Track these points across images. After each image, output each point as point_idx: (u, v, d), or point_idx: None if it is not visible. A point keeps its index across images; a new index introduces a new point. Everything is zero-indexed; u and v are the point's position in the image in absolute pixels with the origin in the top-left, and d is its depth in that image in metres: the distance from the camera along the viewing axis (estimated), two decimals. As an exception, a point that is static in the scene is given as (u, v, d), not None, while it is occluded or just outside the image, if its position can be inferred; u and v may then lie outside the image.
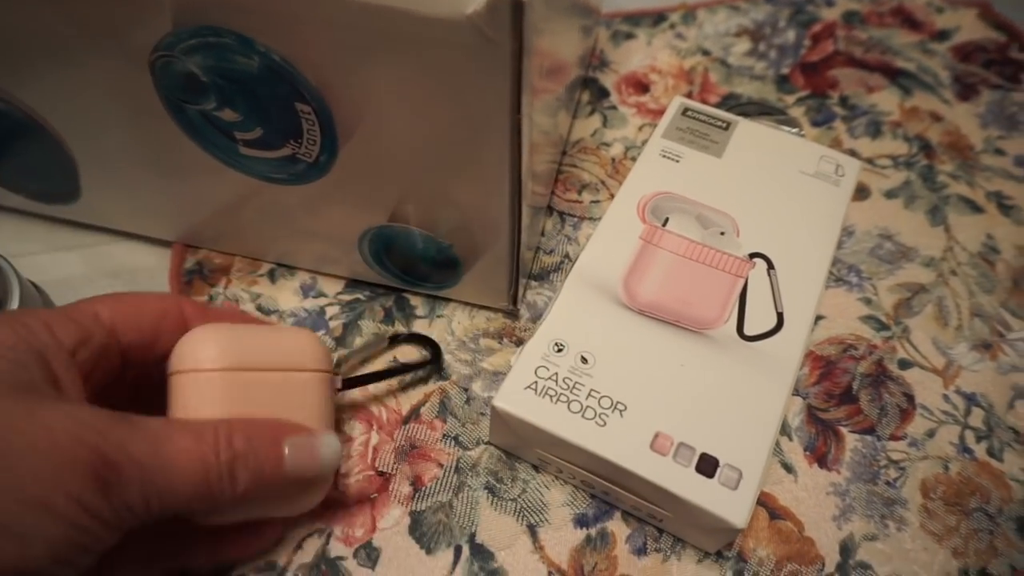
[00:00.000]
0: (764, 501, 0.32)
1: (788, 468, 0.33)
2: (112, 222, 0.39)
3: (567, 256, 0.40)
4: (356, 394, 0.34)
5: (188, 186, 0.35)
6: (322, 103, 0.28)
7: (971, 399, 0.36)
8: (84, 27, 0.28)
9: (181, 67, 0.28)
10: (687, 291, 0.33)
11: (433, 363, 0.34)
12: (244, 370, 0.26)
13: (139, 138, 0.33)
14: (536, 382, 0.30)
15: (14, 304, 0.30)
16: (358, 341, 0.36)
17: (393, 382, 0.35)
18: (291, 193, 0.33)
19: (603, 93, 0.47)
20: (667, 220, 0.36)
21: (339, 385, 0.30)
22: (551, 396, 0.30)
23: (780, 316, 0.33)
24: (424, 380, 0.34)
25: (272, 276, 0.38)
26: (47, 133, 0.34)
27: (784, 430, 0.34)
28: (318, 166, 0.31)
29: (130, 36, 0.28)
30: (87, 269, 0.39)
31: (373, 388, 0.35)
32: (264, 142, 0.31)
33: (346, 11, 0.24)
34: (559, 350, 0.31)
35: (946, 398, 0.36)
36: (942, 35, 0.52)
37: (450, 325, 0.37)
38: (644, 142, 0.45)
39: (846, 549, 0.31)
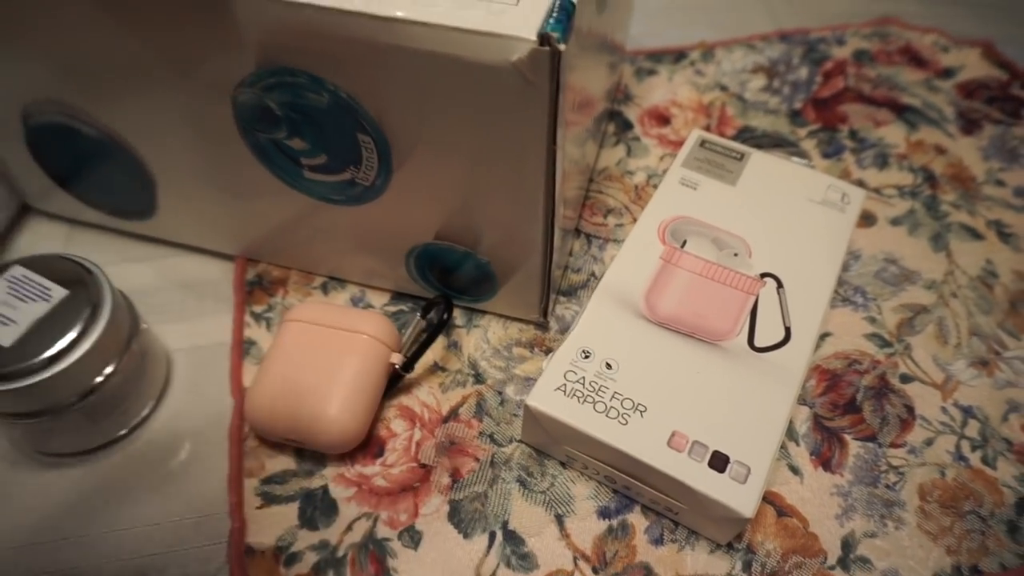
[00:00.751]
0: (772, 500, 0.35)
1: (795, 471, 0.36)
2: (182, 237, 0.44)
3: (593, 274, 0.43)
4: (402, 397, 0.38)
5: (254, 205, 0.39)
6: (381, 134, 0.32)
7: (968, 411, 0.38)
8: (175, 62, 0.32)
9: (258, 101, 0.33)
10: (703, 306, 0.36)
11: (448, 311, 0.38)
12: (320, 325, 0.36)
13: (214, 161, 0.37)
14: (565, 384, 0.34)
15: (106, 309, 0.34)
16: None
17: (434, 385, 0.38)
18: (348, 213, 0.37)
19: (627, 125, 0.51)
20: (685, 242, 0.39)
21: (399, 362, 0.36)
22: (579, 397, 0.33)
23: (788, 330, 0.36)
24: (445, 325, 0.38)
25: (325, 288, 0.42)
26: (132, 155, 0.38)
27: (792, 436, 0.37)
28: (374, 189, 0.35)
29: (217, 73, 0.32)
30: (157, 280, 0.43)
31: (416, 391, 0.38)
32: (327, 167, 0.35)
33: (406, 57, 0.28)
34: (586, 356, 0.34)
35: (944, 410, 0.38)
36: (947, 73, 0.55)
37: (485, 335, 0.40)
38: (665, 171, 0.48)
39: (847, 544, 0.34)
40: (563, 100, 0.29)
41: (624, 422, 0.33)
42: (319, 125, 0.33)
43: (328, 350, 0.35)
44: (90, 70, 0.34)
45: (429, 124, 0.31)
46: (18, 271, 0.34)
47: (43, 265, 0.35)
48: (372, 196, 0.35)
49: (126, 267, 0.44)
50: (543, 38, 0.26)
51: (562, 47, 0.26)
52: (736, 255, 0.39)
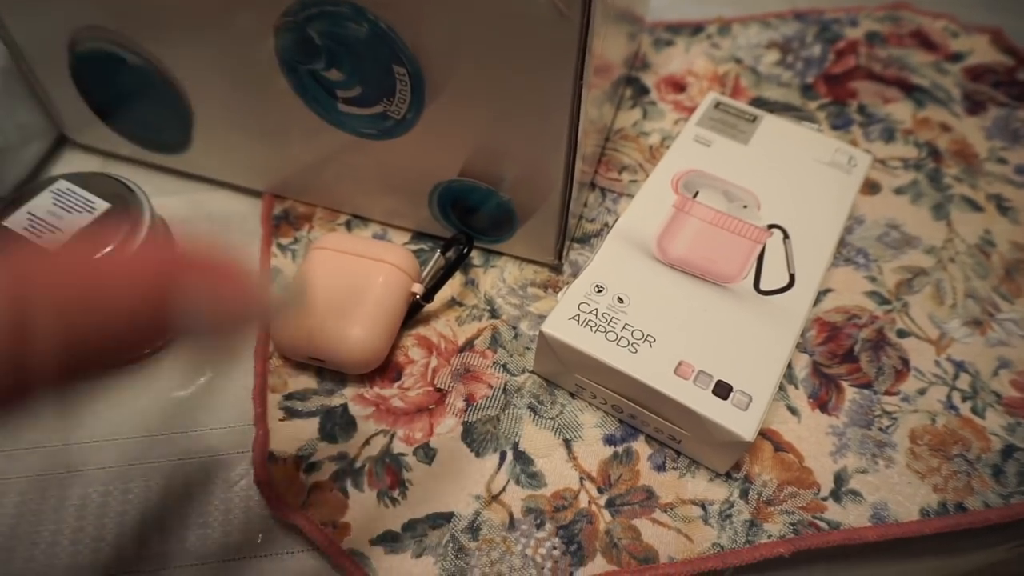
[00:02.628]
0: (770, 436, 0.37)
1: (793, 411, 0.38)
2: (212, 172, 0.45)
3: (606, 224, 0.45)
4: (420, 328, 0.40)
5: (285, 141, 0.41)
6: (416, 66, 0.34)
7: (960, 366, 0.40)
8: (227, -7, 0.34)
9: (301, 31, 0.34)
10: (712, 251, 0.38)
11: (468, 246, 0.40)
12: (346, 253, 0.38)
13: (252, 94, 0.39)
14: (579, 315, 0.35)
15: (146, 224, 0.36)
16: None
17: (451, 319, 0.40)
18: (376, 148, 0.39)
19: (644, 90, 0.53)
20: (697, 193, 0.41)
21: (420, 291, 0.38)
22: (591, 326, 0.35)
23: (792, 277, 0.38)
24: (466, 257, 0.39)
25: (348, 225, 0.44)
26: (172, 87, 0.40)
27: (791, 379, 0.39)
28: (404, 122, 0.37)
29: (263, 3, 0.34)
30: (188, 212, 0.45)
31: (434, 323, 0.40)
32: (361, 100, 0.36)
33: (447, -13, 0.30)
34: (599, 291, 0.36)
35: (937, 363, 0.40)
36: (956, 57, 0.57)
37: (502, 274, 0.42)
38: (679, 133, 0.50)
39: (840, 479, 0.36)
40: (592, 37, 0.30)
41: (634, 351, 0.34)
42: (357, 56, 0.34)
43: (353, 276, 0.37)
44: (141, 0, 0.36)
45: (463, 58, 0.33)
46: (63, 184, 0.36)
47: (86, 181, 0.37)
48: (403, 130, 0.37)
49: (157, 199, 0.45)
50: (577, -30, 0.28)
51: (595, -20, 0.28)
52: (745, 207, 0.40)
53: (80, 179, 0.37)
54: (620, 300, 0.36)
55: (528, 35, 0.31)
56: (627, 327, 0.35)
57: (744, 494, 0.35)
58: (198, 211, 0.45)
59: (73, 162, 0.47)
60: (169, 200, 0.46)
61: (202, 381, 0.38)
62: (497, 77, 0.33)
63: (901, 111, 0.53)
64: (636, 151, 0.49)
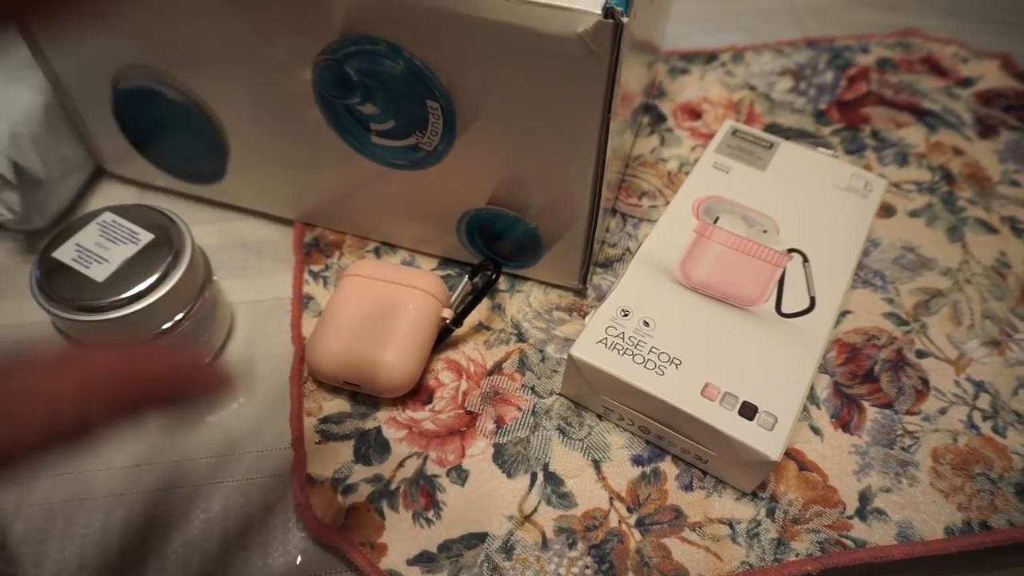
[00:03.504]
0: (794, 456, 0.38)
1: (816, 431, 0.39)
2: (245, 202, 0.47)
3: (628, 249, 0.46)
4: (449, 352, 0.41)
5: (318, 171, 0.42)
6: (449, 100, 0.35)
7: (979, 386, 0.41)
8: (263, 34, 0.36)
9: (338, 68, 0.36)
10: (734, 275, 0.39)
11: (496, 273, 0.40)
12: (377, 279, 0.39)
13: (287, 126, 0.40)
14: (606, 338, 0.36)
15: (187, 254, 0.37)
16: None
17: (479, 343, 0.41)
18: (407, 178, 0.40)
19: (661, 118, 0.54)
20: (718, 218, 0.42)
21: (450, 316, 0.39)
22: (619, 350, 0.36)
23: (812, 299, 0.39)
24: (494, 283, 0.40)
25: (377, 252, 0.45)
26: (210, 121, 0.42)
27: (813, 400, 0.40)
28: (436, 154, 0.38)
29: (304, 42, 0.35)
30: (222, 240, 0.46)
31: (463, 347, 0.41)
32: (394, 132, 0.38)
33: (481, 27, 0.32)
34: (625, 315, 0.37)
35: (957, 383, 0.41)
36: (966, 82, 0.58)
37: (527, 299, 0.43)
38: (696, 160, 0.51)
39: (864, 497, 0.36)
40: (620, 71, 0.32)
41: (661, 373, 0.35)
42: (392, 91, 0.36)
43: (385, 302, 0.38)
44: (185, 39, 0.37)
45: (495, 92, 0.34)
46: (108, 216, 0.38)
47: (131, 213, 0.38)
48: (433, 161, 0.38)
49: (193, 228, 0.47)
50: (607, 12, 0.29)
51: (625, 20, 0.30)
52: (765, 232, 0.41)
53: (124, 211, 0.38)
54: (646, 324, 0.37)
55: (559, 71, 0.32)
56: (653, 350, 0.36)
57: (771, 513, 0.36)
58: (231, 239, 0.47)
59: (110, 193, 0.49)
60: (202, 229, 0.47)
61: (238, 405, 0.39)
62: (527, 110, 0.34)
63: (914, 135, 0.54)
64: (655, 177, 0.50)
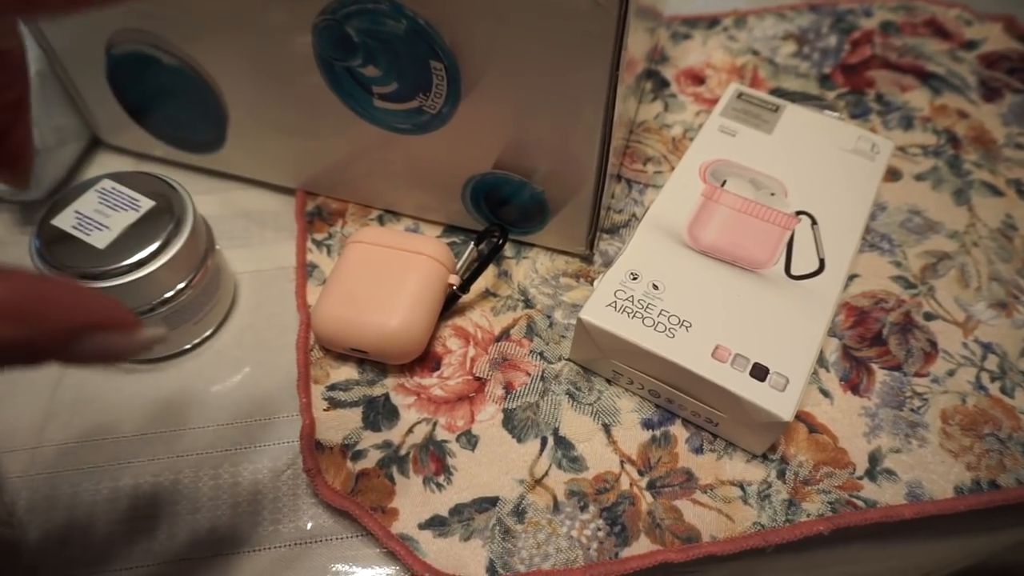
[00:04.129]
0: (804, 419, 0.38)
1: (825, 393, 0.39)
2: (245, 171, 0.46)
3: (634, 215, 0.46)
4: (456, 319, 0.40)
5: (319, 138, 0.41)
6: (453, 60, 0.34)
7: (987, 347, 0.41)
8: (267, -7, 0.35)
9: (339, 29, 0.35)
10: (742, 238, 0.39)
11: (503, 238, 0.41)
12: (382, 246, 0.39)
13: (288, 91, 0.39)
14: (615, 301, 0.36)
15: (188, 221, 0.36)
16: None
17: (486, 309, 0.41)
18: (411, 143, 0.39)
19: (664, 83, 0.54)
20: (725, 182, 0.41)
21: (456, 283, 0.38)
22: (628, 313, 0.36)
23: (822, 261, 0.38)
24: (501, 248, 0.40)
25: (381, 220, 0.45)
26: (209, 87, 0.41)
27: (822, 363, 0.40)
28: (440, 117, 0.37)
29: (301, 2, 0.34)
30: (223, 211, 0.46)
31: (470, 314, 0.41)
32: (397, 95, 0.37)
33: (487, -18, 0.31)
34: (634, 278, 0.37)
35: (965, 345, 0.41)
36: (970, 45, 0.57)
37: (534, 265, 0.43)
38: (701, 125, 0.51)
39: (874, 458, 0.36)
40: (628, 29, 0.31)
41: (671, 335, 0.35)
42: (394, 52, 0.35)
43: (390, 268, 0.38)
44: (178, 2, 0.36)
45: (500, 52, 0.33)
46: (107, 183, 0.37)
47: (130, 180, 0.37)
48: (438, 125, 0.38)
49: (194, 199, 0.46)
50: (617, -38, 0.29)
51: (634, -29, 0.29)
52: (773, 195, 0.41)
53: (123, 178, 0.37)
54: (655, 287, 0.37)
55: (565, 28, 0.31)
56: (663, 313, 0.36)
57: (781, 474, 0.36)
58: (232, 209, 0.46)
59: (107, 164, 0.48)
60: (203, 199, 0.46)
61: (244, 373, 0.39)
62: (533, 70, 0.34)
63: (918, 99, 0.53)
64: (659, 143, 0.50)
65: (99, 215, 0.36)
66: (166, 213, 0.36)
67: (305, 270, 0.42)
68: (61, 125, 0.45)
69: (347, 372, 0.38)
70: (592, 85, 0.33)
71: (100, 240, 0.35)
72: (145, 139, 0.46)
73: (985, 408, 0.38)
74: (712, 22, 0.58)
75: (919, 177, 0.49)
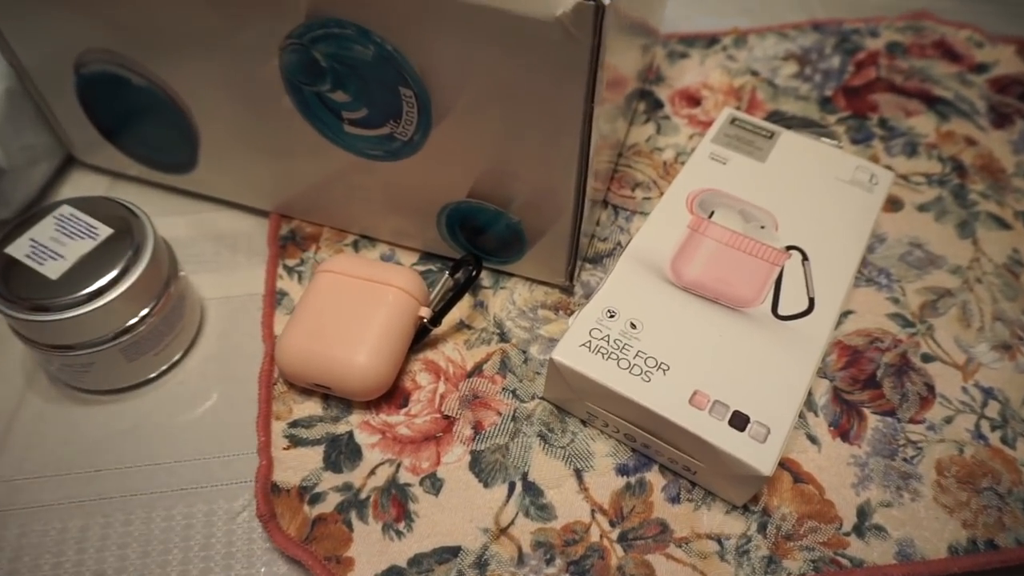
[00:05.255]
0: (789, 467, 0.36)
1: (813, 440, 0.37)
2: (219, 192, 0.45)
3: (619, 244, 0.44)
4: (428, 352, 0.39)
5: (292, 161, 0.40)
6: (423, 87, 0.33)
7: (988, 393, 0.38)
8: (228, 17, 0.33)
9: (306, 53, 0.34)
10: (728, 274, 0.37)
11: (477, 269, 0.39)
12: (352, 276, 0.37)
13: (258, 114, 0.38)
14: (590, 341, 0.34)
15: (148, 250, 0.35)
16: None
17: (459, 342, 0.39)
18: (384, 169, 0.38)
19: (658, 104, 0.52)
20: (713, 213, 0.40)
21: (428, 315, 0.37)
22: (603, 354, 0.34)
23: (811, 300, 0.36)
24: (475, 280, 0.38)
25: (356, 246, 0.43)
26: (179, 109, 0.39)
27: (811, 406, 0.38)
28: (411, 144, 0.36)
29: (269, 25, 0.33)
30: (195, 232, 0.44)
31: (442, 346, 0.39)
32: (367, 121, 0.36)
33: (454, 9, 0.29)
34: (611, 316, 0.35)
35: (965, 390, 0.39)
36: (980, 68, 0.55)
37: (511, 296, 0.41)
38: (694, 149, 0.49)
39: (863, 512, 0.34)
40: (603, 57, 0.29)
41: (647, 379, 0.33)
42: (363, 78, 0.33)
43: (359, 300, 0.36)
44: (146, 23, 0.35)
45: (471, 79, 0.32)
46: (66, 210, 0.36)
47: (90, 206, 0.36)
48: (409, 151, 0.36)
49: (163, 219, 0.45)
50: (587, -9, 0.27)
51: (606, 1, 0.27)
52: (763, 228, 0.39)
53: (84, 203, 0.36)
54: (633, 326, 0.35)
55: (537, 57, 0.30)
56: (640, 354, 0.34)
57: (762, 528, 0.34)
58: (203, 231, 0.45)
59: (81, 182, 0.47)
60: (174, 220, 0.45)
61: (207, 406, 0.37)
62: (506, 98, 0.32)
63: (924, 124, 0.51)
64: (650, 167, 0.48)
65: (55, 243, 0.34)
66: (125, 240, 0.35)
67: (274, 298, 0.41)
68: (32, 144, 0.44)
69: (311, 407, 0.37)
70: (566, 115, 0.32)
71: (53, 270, 0.33)
72: (119, 158, 0.45)
73: (984, 459, 0.36)
74: (711, 40, 0.57)
75: (922, 208, 0.46)
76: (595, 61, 0.30)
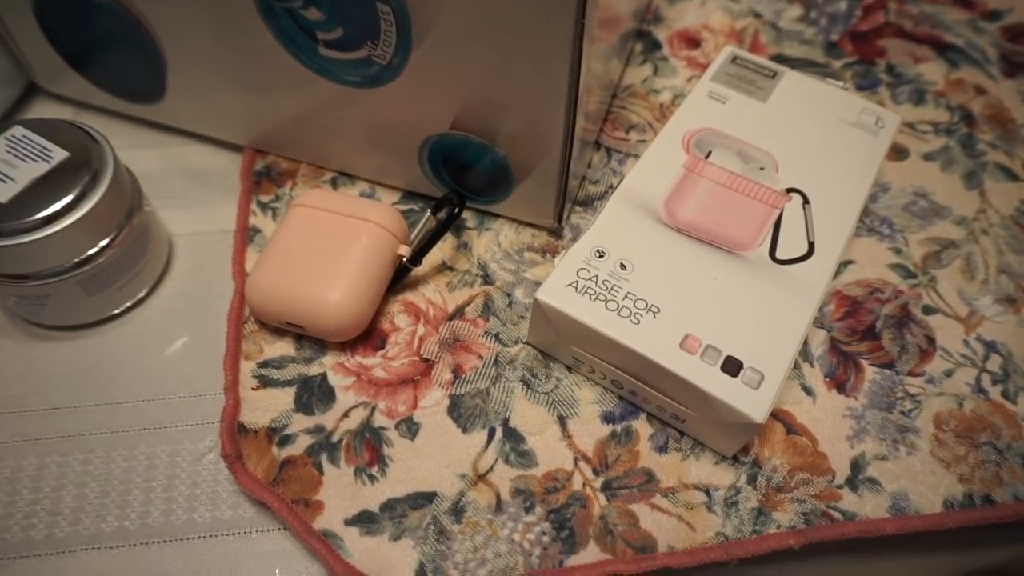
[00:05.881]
0: (782, 417, 0.34)
1: (808, 391, 0.35)
2: (189, 124, 0.42)
3: (611, 186, 0.42)
4: (407, 294, 0.37)
5: (265, 90, 0.38)
6: (402, 3, 0.30)
7: (990, 346, 0.37)
8: (194, -81, 0.31)
9: (276, -37, 0.31)
10: (724, 216, 0.35)
11: (460, 206, 0.36)
12: (327, 211, 0.35)
13: (228, 38, 0.35)
14: (577, 281, 0.32)
15: (108, 176, 0.33)
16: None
17: (441, 284, 0.37)
18: (362, 98, 0.36)
19: (655, 45, 0.49)
20: (710, 153, 0.37)
21: (408, 254, 0.35)
22: (590, 294, 0.32)
23: (811, 245, 0.35)
24: (456, 218, 0.36)
25: (334, 183, 0.41)
26: (144, 31, 0.37)
27: (807, 357, 0.36)
28: (391, 68, 0.33)
29: (234, -71, 0.30)
30: (164, 166, 0.42)
31: (423, 288, 0.37)
32: (343, 43, 0.33)
33: (435, -91, 0.27)
34: (600, 256, 0.33)
35: (966, 343, 0.37)
36: (993, 15, 0.53)
37: (497, 238, 0.39)
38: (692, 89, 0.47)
39: (857, 465, 0.33)
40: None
41: (636, 321, 0.31)
42: (337, -9, 0.31)
43: (334, 236, 0.34)
44: (102, -75, 0.33)
45: (453, -6, 0.29)
46: (18, 131, 0.33)
47: (46, 128, 0.34)
48: (388, 77, 0.34)
49: (132, 152, 0.43)
50: None
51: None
52: (762, 169, 0.37)
53: (39, 126, 0.34)
54: (622, 266, 0.33)
55: (525, -34, 0.27)
56: (629, 296, 0.32)
57: (752, 480, 0.32)
58: (174, 165, 0.42)
59: (43, 111, 0.44)
60: (143, 153, 0.43)
61: (173, 346, 0.36)
62: (491, 19, 0.30)
63: (932, 72, 0.49)
64: (645, 109, 0.46)
65: (4, 165, 0.32)
66: (83, 166, 0.33)
67: (246, 235, 0.39)
68: (-11, 67, 0.41)
69: (282, 348, 0.35)
70: (555, 43, 0.29)
71: (2, 193, 0.31)
72: (83, 86, 0.42)
73: (984, 414, 0.35)
74: (713, -19, 0.54)
75: (928, 157, 0.44)
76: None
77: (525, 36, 0.30)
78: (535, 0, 0.28)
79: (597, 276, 0.33)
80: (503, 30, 0.30)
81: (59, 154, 0.33)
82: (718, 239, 0.34)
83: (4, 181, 0.31)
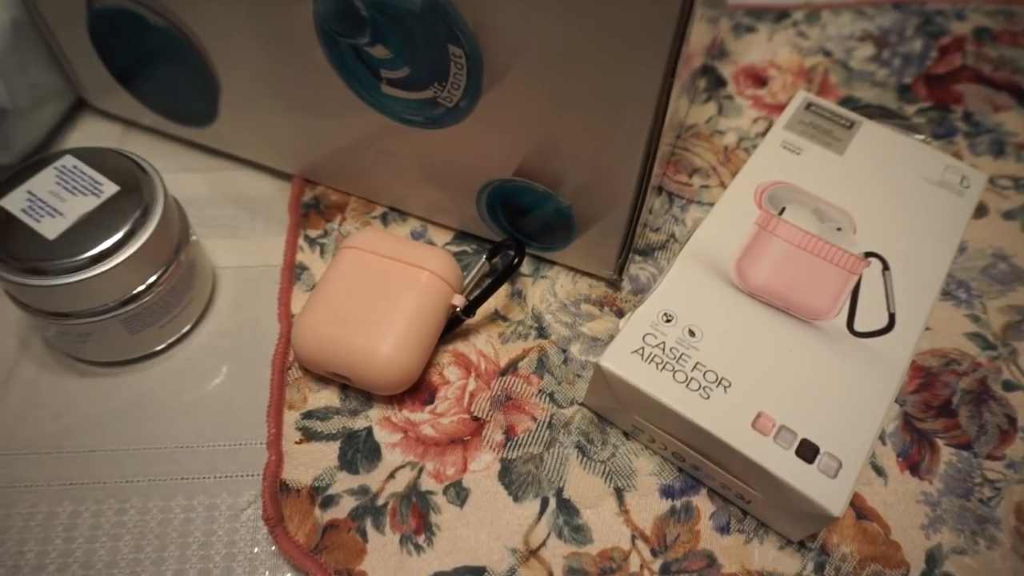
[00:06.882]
0: (852, 500, 0.32)
1: (879, 471, 0.33)
2: (239, 150, 0.41)
3: (673, 235, 0.40)
4: (458, 343, 0.35)
5: (320, 120, 0.36)
6: (475, 47, 0.29)
7: (1076, 430, 0.35)
8: (260, -49, 0.29)
9: (345, 0, 0.29)
10: (800, 280, 0.33)
11: (519, 255, 0.35)
12: (380, 255, 0.34)
13: (285, 66, 0.34)
14: (643, 348, 0.31)
15: (158, 211, 0.32)
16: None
17: (493, 335, 0.36)
18: (422, 138, 0.34)
19: (720, 82, 0.47)
20: (784, 209, 0.35)
21: (462, 304, 0.33)
22: (657, 363, 0.30)
23: (892, 316, 0.32)
24: (515, 269, 0.35)
25: (384, 219, 0.40)
26: (197, 53, 0.35)
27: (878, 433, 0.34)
28: (456, 111, 0.32)
29: (303, -36, 0.29)
30: (211, 191, 0.41)
31: (474, 338, 0.35)
32: (408, 82, 0.32)
33: (520, -43, 0.25)
34: (668, 320, 0.31)
35: (1050, 425, 0.35)
36: (1078, 62, 0.50)
37: (553, 287, 0.37)
38: (758, 134, 0.44)
39: (932, 559, 0.31)
40: (692, 25, 0.25)
41: (705, 396, 0.29)
42: (407, 31, 0.29)
43: (386, 283, 0.33)
44: (163, -50, 0.31)
45: (532, 41, 0.28)
46: (69, 161, 0.32)
47: (96, 158, 0.32)
48: (453, 120, 0.32)
49: (178, 176, 0.42)
50: (684, -56, 0.23)
51: (704, -43, 0.23)
52: (839, 229, 0.35)
53: (89, 155, 0.32)
54: (691, 333, 0.31)
55: (613, 15, 0.26)
56: (699, 367, 0.30)
57: (820, 568, 0.30)
58: (221, 191, 0.41)
59: (91, 129, 0.43)
60: (190, 177, 0.41)
61: (214, 386, 0.34)
62: (570, 65, 0.28)
63: (1013, 121, 0.46)
64: (709, 152, 0.44)
65: (54, 198, 0.31)
66: (133, 201, 0.31)
67: (292, 272, 0.37)
68: (38, 83, 0.40)
69: (327, 397, 0.34)
70: (641, 84, 0.27)
71: (51, 229, 0.30)
72: (133, 105, 0.41)
73: (1069, 506, 0.32)
74: (781, 15, 0.52)
75: (1008, 215, 0.42)
76: (683, 26, 0.25)
77: (608, 83, 0.28)
78: (624, 45, 0.26)
79: (664, 343, 0.31)
80: (584, 76, 0.28)
81: (109, 188, 0.31)
82: (792, 306, 0.32)
83: (53, 216, 0.30)
